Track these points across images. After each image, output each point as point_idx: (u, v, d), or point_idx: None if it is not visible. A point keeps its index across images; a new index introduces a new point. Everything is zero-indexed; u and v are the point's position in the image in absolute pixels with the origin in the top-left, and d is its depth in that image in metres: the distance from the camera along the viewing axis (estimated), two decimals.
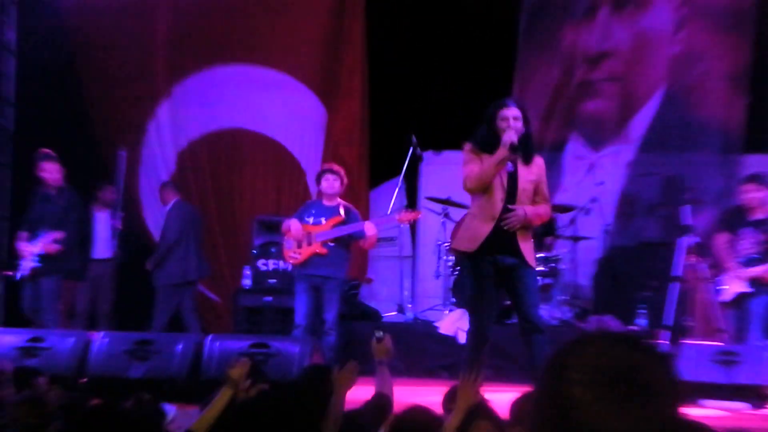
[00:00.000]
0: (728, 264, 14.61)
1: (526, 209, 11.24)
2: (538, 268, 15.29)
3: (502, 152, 11.07)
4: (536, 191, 11.53)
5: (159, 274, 17.02)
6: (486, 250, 11.52)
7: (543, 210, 11.64)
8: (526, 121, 11.41)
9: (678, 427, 2.83)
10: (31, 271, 15.52)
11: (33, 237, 15.55)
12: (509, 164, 11.26)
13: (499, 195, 11.34)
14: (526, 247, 11.49)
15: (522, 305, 11.73)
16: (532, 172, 11.50)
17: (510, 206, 11.22)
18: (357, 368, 8.46)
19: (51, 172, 15.59)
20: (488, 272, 11.95)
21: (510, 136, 11.10)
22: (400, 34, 18.50)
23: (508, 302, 14.82)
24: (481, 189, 11.47)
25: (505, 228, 11.23)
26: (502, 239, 11.43)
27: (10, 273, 16.32)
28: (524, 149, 11.33)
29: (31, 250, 15.46)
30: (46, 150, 15.99)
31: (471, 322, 12.48)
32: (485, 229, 11.45)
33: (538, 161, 11.72)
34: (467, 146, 11.51)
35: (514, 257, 11.49)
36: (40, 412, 8.04)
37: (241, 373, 8.49)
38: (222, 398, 8.33)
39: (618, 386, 2.76)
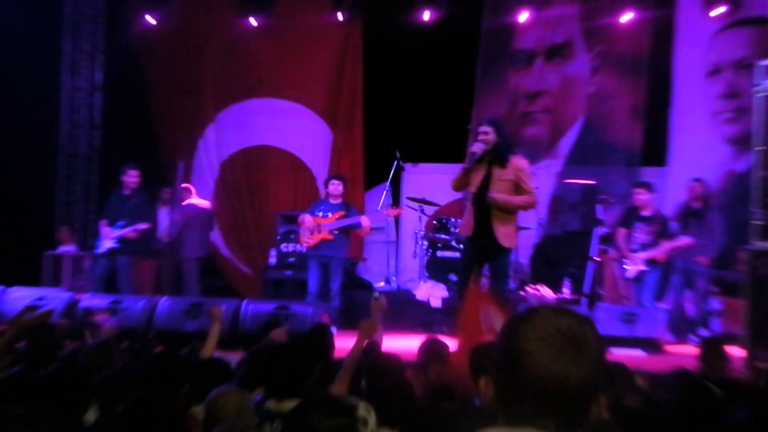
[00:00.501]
0: (626, 251, 14.78)
1: (497, 195, 11.51)
2: None
3: (467, 160, 11.91)
4: (516, 186, 11.78)
5: (182, 250, 17.06)
6: (473, 234, 11.97)
7: (519, 199, 11.82)
8: (500, 135, 11.78)
9: (601, 366, 2.91)
10: (108, 250, 15.53)
11: (112, 225, 15.51)
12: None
13: (473, 191, 11.87)
14: (501, 231, 11.75)
15: (492, 280, 12.15)
16: (507, 173, 11.73)
17: (489, 194, 11.53)
18: (376, 325, 8.51)
19: (132, 177, 15.64)
20: (468, 250, 12.45)
21: (472, 147, 11.89)
22: (389, 75, 18.32)
23: None
24: (458, 187, 12.15)
25: (487, 203, 11.60)
26: (481, 226, 11.84)
27: (96, 249, 16.00)
28: (495, 156, 11.71)
29: (111, 235, 15.46)
30: (131, 163, 15.95)
31: (457, 283, 13.21)
32: (470, 218, 11.94)
33: (516, 163, 11.90)
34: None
35: (489, 240, 11.76)
36: (108, 357, 7.95)
37: (219, 311, 9.34)
38: (214, 330, 9.02)
39: (556, 341, 2.85)
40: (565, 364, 2.84)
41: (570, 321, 2.94)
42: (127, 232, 15.52)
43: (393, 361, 7.70)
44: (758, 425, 5.62)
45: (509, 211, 11.97)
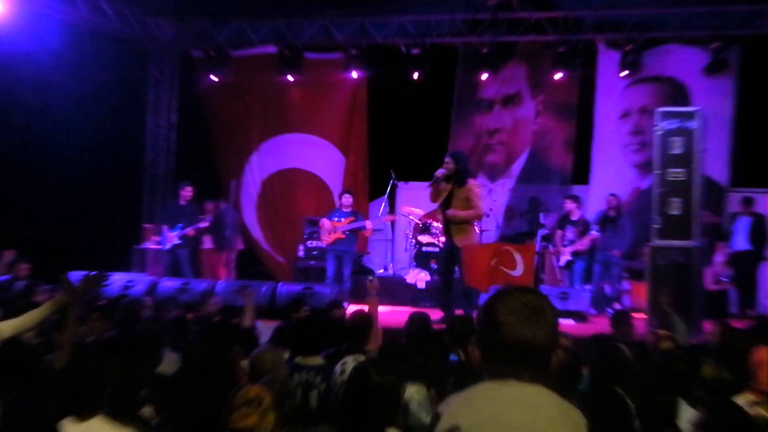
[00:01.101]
0: (560, 248, 14.99)
1: (449, 212, 12.26)
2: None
3: (432, 180, 12.36)
4: (469, 202, 12.23)
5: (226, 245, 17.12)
6: (443, 235, 12.83)
7: (465, 213, 12.24)
8: (458, 164, 12.35)
9: (556, 332, 2.96)
10: (172, 246, 15.67)
11: (172, 228, 15.67)
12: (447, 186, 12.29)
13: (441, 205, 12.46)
14: (456, 235, 12.31)
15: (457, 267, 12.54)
16: (463, 192, 12.26)
17: (445, 211, 12.32)
18: (375, 300, 8.62)
19: (188, 191, 15.86)
20: (441, 251, 13.42)
21: (436, 172, 12.27)
22: (387, 116, 18.27)
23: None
24: (434, 200, 12.57)
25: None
26: (446, 230, 12.60)
27: (159, 246, 16.30)
28: (456, 179, 12.27)
29: (173, 235, 15.61)
30: (187, 181, 16.18)
31: (437, 269, 13.88)
32: (441, 224, 12.88)
33: (470, 185, 12.46)
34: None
35: (449, 240, 12.46)
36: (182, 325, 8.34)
37: (251, 294, 9.23)
38: (249, 305, 9.00)
39: (523, 312, 2.91)
40: (532, 329, 2.89)
41: (531, 297, 2.99)
42: (189, 230, 15.60)
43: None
44: (662, 376, 5.73)
45: (460, 222, 12.39)
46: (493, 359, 3.01)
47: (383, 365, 4.70)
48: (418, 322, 8.44)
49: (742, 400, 5.30)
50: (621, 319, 9.38)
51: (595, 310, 14.46)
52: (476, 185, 12.89)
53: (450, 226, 12.50)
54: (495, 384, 2.96)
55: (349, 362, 5.07)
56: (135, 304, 10.75)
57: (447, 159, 12.51)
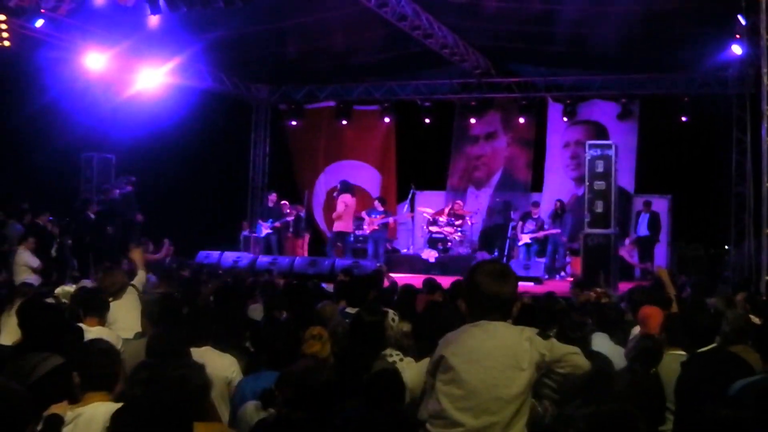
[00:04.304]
0: (520, 234, 14.89)
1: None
2: (459, 233, 15.94)
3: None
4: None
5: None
6: None
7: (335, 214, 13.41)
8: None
9: (516, 287, 3.00)
10: (266, 234, 15.44)
11: (265, 221, 15.52)
12: None
13: None
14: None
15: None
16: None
17: None
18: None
19: (273, 197, 15.79)
20: None
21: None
22: (409, 145, 18.16)
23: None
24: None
25: None
26: None
27: (255, 234, 16.00)
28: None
29: (266, 226, 15.40)
30: (271, 190, 16.26)
31: None
32: None
33: (342, 197, 13.74)
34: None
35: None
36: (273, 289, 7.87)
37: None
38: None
39: (495, 274, 2.92)
40: (501, 286, 2.93)
41: (499, 264, 3.11)
42: (277, 224, 15.34)
43: (410, 288, 7.41)
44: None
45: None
46: (473, 307, 3.01)
47: (372, 309, 4.66)
48: (430, 285, 8.03)
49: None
50: (573, 285, 9.31)
51: (548, 276, 14.34)
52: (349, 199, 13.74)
53: None
54: (473, 326, 2.96)
55: (390, 312, 4.71)
56: (197, 271, 11.02)
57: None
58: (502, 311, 2.95)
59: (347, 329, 4.75)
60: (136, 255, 7.00)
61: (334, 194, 15.65)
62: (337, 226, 14.94)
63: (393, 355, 4.24)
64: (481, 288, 2.93)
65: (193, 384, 2.99)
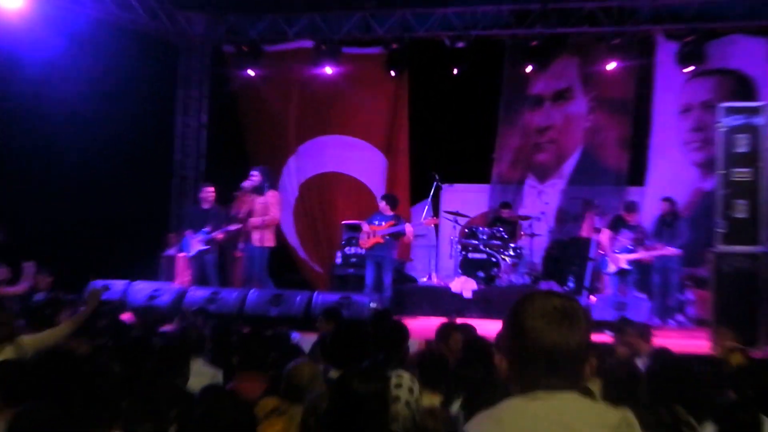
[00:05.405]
0: (609, 251, 14.78)
1: (251, 220, 14.28)
2: (509, 253, 16.36)
3: (241, 192, 14.27)
4: (266, 210, 14.33)
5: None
6: None
7: (266, 219, 14.41)
8: (263, 177, 14.47)
9: (589, 332, 2.98)
10: (198, 252, 15.29)
11: (197, 232, 15.30)
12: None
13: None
14: (255, 237, 14.43)
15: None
16: (263, 201, 14.31)
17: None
18: None
19: (209, 193, 15.57)
20: None
21: (245, 183, 14.25)
22: (429, 113, 18.39)
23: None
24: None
25: None
26: None
27: (184, 252, 16.06)
28: (258, 190, 14.41)
29: (197, 240, 15.25)
30: (207, 182, 16.15)
31: None
32: None
33: (269, 195, 14.52)
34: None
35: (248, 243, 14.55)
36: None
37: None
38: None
39: (554, 316, 2.92)
40: (563, 334, 2.91)
41: (561, 299, 3.01)
42: (217, 234, 15.27)
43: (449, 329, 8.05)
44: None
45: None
46: (521, 367, 3.01)
47: (368, 373, 4.82)
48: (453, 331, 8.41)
49: None
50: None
51: (657, 321, 14.25)
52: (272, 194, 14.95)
53: None
54: (523, 400, 2.95)
55: (405, 377, 5.05)
56: (117, 310, 11.51)
57: (254, 171, 14.54)
58: (566, 374, 2.95)
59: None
60: None
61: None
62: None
63: None
64: (532, 336, 2.95)
65: None
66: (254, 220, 14.47)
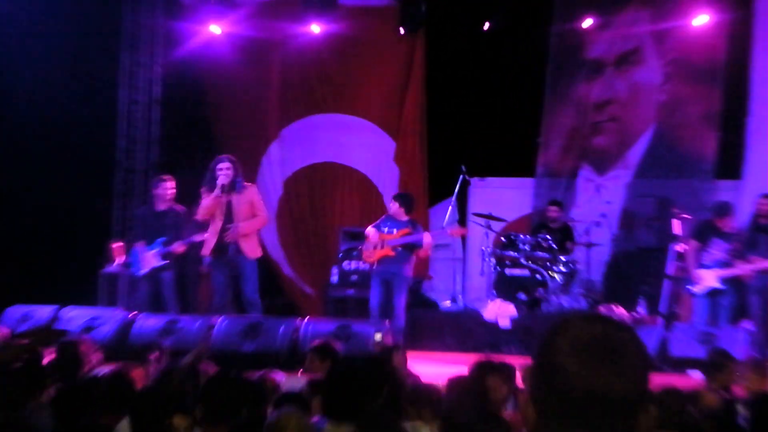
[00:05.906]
0: (695, 267, 14.52)
1: (239, 225, 14.08)
2: (560, 268, 16.34)
3: (217, 191, 13.95)
4: (252, 210, 14.36)
5: None
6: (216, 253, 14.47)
7: (257, 221, 14.44)
8: (235, 170, 14.31)
9: (645, 374, 2.82)
10: (152, 270, 15.19)
11: (150, 244, 15.26)
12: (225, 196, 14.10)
13: (219, 218, 14.15)
14: (246, 245, 14.28)
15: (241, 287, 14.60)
16: (244, 199, 14.27)
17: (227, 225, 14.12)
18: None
19: (168, 189, 15.48)
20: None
21: (221, 180, 13.96)
22: (454, 87, 18.29)
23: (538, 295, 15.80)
24: (208, 216, 14.21)
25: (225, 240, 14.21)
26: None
27: (131, 269, 15.89)
28: (233, 187, 14.17)
29: (153, 254, 15.19)
30: (165, 174, 16.15)
31: None
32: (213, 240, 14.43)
33: (250, 190, 14.62)
34: (202, 189, 14.17)
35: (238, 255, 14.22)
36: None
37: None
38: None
39: (593, 352, 2.77)
40: (605, 376, 2.81)
41: (606, 328, 2.93)
42: (177, 246, 15.21)
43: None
44: None
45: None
46: (550, 417, 2.92)
47: (375, 421, 5.28)
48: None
49: None
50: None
51: (760, 356, 13.50)
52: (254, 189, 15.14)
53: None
54: None
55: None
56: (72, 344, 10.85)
57: (224, 163, 14.33)
58: (611, 427, 2.81)
59: None
60: None
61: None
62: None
63: None
64: (565, 377, 2.80)
65: None
66: (244, 226, 14.13)
